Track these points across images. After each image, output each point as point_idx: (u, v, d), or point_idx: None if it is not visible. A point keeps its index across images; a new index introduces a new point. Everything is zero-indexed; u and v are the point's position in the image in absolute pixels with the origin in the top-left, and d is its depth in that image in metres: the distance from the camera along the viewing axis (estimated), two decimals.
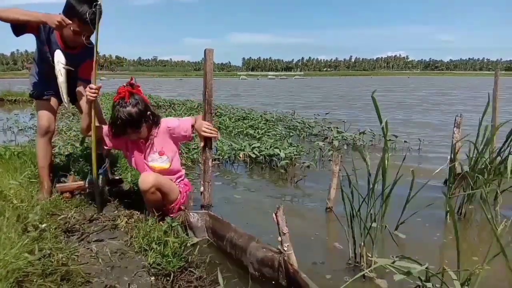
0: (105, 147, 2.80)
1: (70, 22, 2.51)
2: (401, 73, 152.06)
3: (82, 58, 2.80)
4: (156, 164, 2.66)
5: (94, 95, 2.51)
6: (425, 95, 22.32)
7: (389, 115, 10.04)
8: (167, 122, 2.69)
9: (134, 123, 2.49)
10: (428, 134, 7.48)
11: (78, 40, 2.65)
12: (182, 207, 2.70)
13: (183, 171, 2.85)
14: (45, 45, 2.75)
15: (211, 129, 2.55)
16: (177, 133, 2.66)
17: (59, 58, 2.63)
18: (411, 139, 6.30)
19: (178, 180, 2.77)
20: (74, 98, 2.96)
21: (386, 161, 2.17)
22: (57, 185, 3.01)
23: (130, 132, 2.54)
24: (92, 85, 2.53)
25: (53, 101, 2.97)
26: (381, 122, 2.08)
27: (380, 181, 2.26)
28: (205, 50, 2.42)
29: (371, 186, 2.24)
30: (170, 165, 2.68)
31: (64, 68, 2.64)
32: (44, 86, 2.92)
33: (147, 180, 2.45)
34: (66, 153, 4.18)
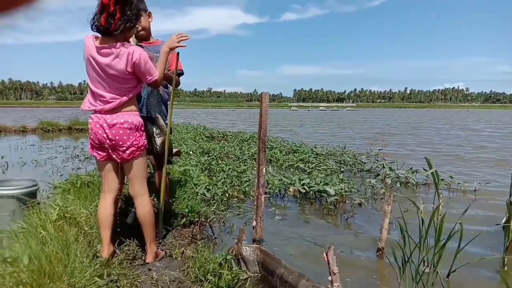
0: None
1: None
2: (460, 106, 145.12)
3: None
4: None
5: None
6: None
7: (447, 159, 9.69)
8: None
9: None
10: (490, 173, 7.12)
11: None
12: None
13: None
14: None
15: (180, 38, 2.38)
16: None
17: None
18: (470, 179, 6.06)
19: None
20: None
21: (438, 213, 2.17)
22: None
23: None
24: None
25: None
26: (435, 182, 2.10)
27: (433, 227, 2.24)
28: (261, 93, 2.60)
29: (423, 232, 2.24)
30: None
31: None
32: None
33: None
34: None
